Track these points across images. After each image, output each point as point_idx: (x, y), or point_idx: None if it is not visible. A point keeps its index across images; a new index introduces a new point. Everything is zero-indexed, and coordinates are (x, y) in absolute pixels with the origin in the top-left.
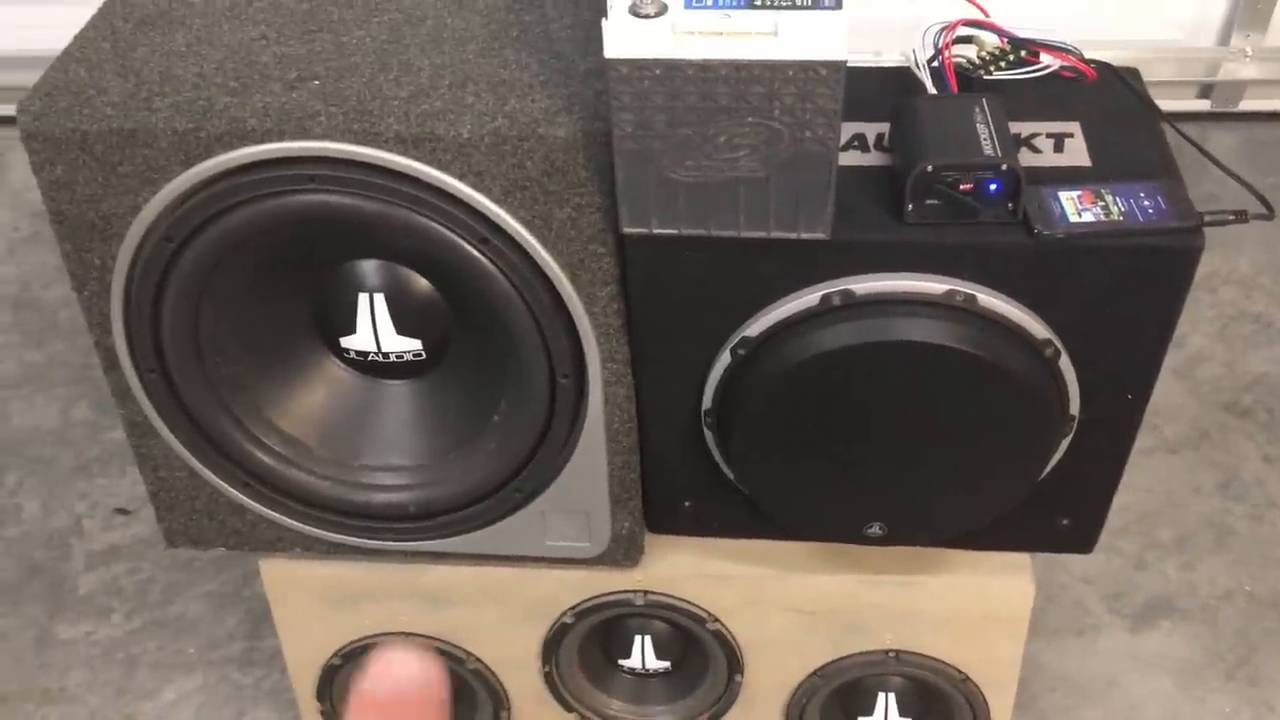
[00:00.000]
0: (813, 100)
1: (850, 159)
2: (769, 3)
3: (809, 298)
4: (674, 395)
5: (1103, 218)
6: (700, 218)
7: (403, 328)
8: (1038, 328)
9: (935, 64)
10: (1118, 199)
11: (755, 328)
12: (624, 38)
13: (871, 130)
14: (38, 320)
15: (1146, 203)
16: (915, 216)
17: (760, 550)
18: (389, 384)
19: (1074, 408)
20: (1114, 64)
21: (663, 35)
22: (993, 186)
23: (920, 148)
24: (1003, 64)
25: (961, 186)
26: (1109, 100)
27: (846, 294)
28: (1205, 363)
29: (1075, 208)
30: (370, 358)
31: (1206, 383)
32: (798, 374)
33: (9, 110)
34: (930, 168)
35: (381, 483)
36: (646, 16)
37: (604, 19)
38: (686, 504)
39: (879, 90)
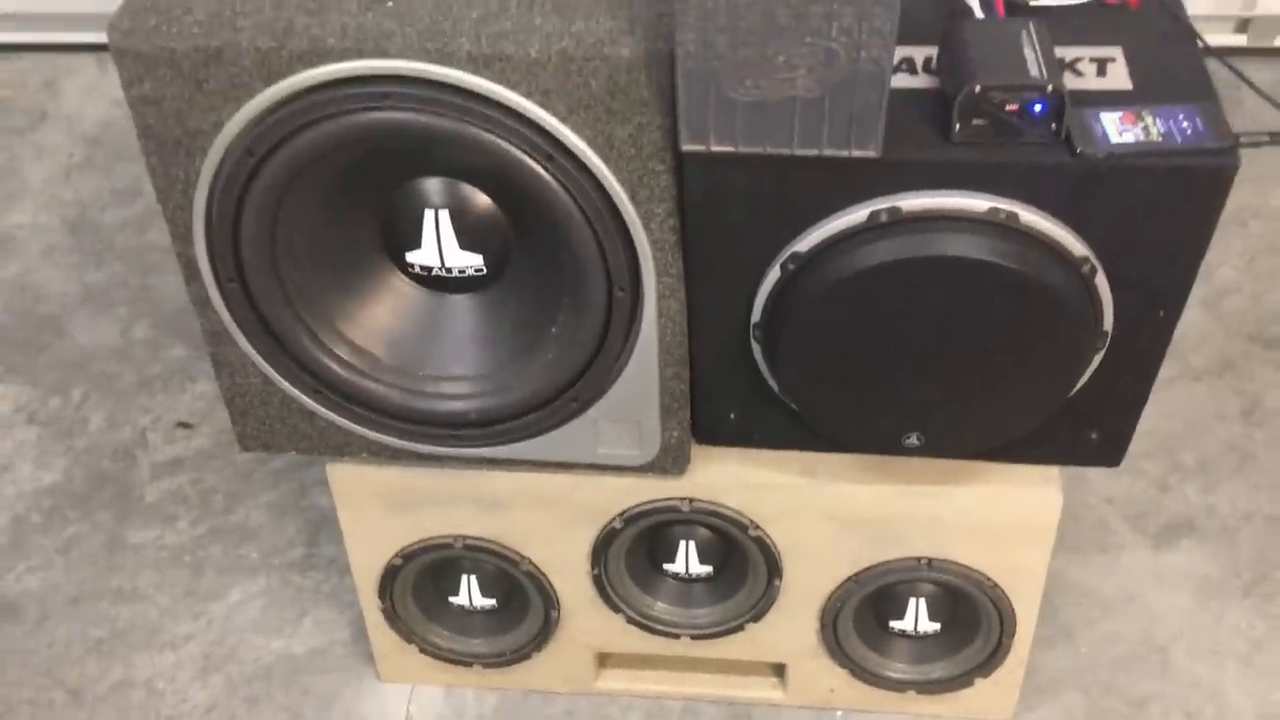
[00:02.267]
0: (869, 21)
1: (899, 81)
2: None
3: (857, 214)
4: (724, 309)
5: (1143, 138)
6: (757, 135)
7: (465, 243)
8: (1076, 245)
9: None
10: (1157, 120)
11: (805, 244)
12: None
13: (920, 53)
14: (96, 242)
15: (1185, 124)
16: (962, 136)
17: (800, 461)
18: (452, 298)
19: (1107, 323)
20: None
21: None
22: (1037, 107)
23: (968, 70)
24: None
25: (1008, 107)
26: (1151, 27)
27: (894, 211)
28: (1232, 294)
29: (1116, 128)
30: (434, 272)
31: (1233, 314)
32: (844, 288)
33: (58, 37)
34: (978, 88)
35: (444, 391)
36: None
37: None
38: (732, 415)
39: (928, 14)
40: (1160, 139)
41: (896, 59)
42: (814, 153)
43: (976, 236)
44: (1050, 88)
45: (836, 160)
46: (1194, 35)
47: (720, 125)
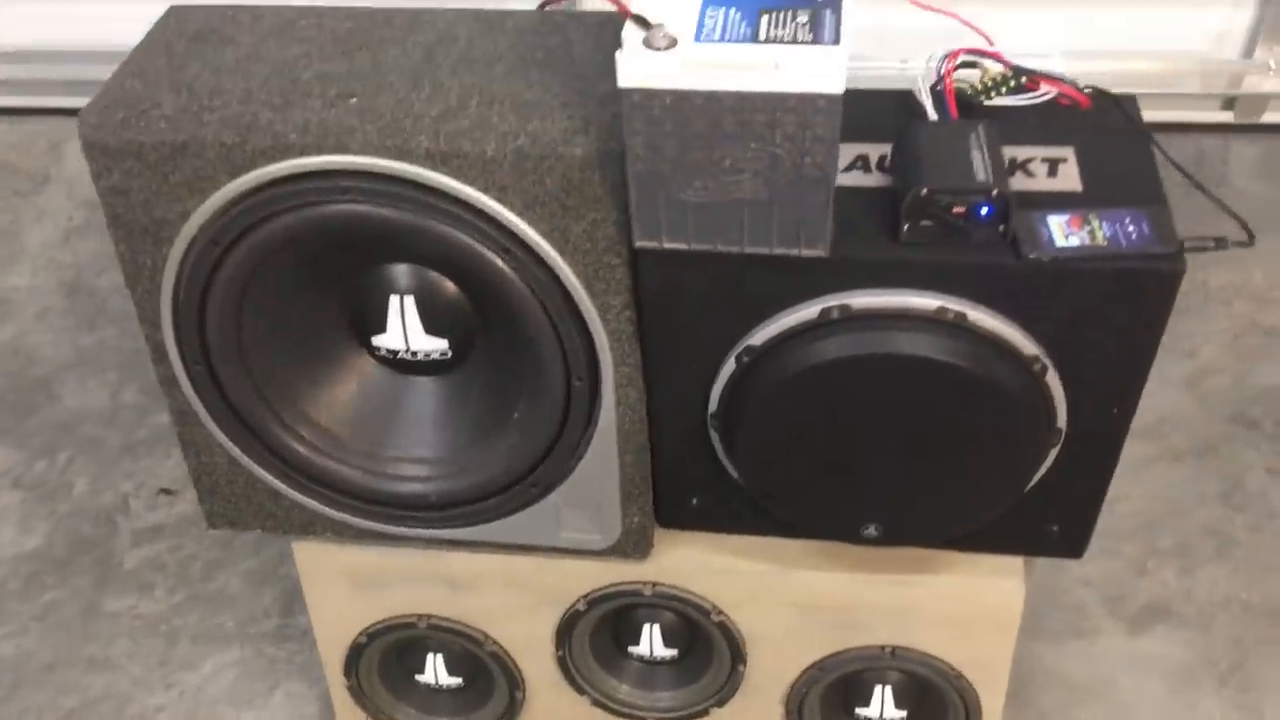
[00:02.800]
0: (812, 129)
1: (853, 179)
2: (773, 37)
3: (809, 310)
4: (682, 398)
5: (1088, 242)
6: (707, 234)
7: (431, 328)
8: (1026, 344)
9: (937, 89)
10: (1104, 224)
11: (759, 337)
12: (636, 68)
13: (875, 151)
14: (90, 306)
15: (1131, 228)
16: (910, 237)
17: (764, 547)
18: (417, 380)
19: (1061, 421)
20: (1112, 90)
21: (673, 67)
22: (984, 210)
23: (916, 172)
24: (1003, 90)
25: (954, 209)
26: (1104, 126)
27: (844, 308)
28: (1215, 374)
29: (1063, 231)
30: (400, 355)
31: (1215, 394)
32: (798, 382)
33: (64, 102)
34: (925, 191)
35: (406, 473)
36: (658, 49)
37: (618, 50)
38: (694, 501)
39: (884, 113)
40: (1105, 243)
41: (850, 156)
42: (764, 251)
43: (925, 335)
44: (995, 191)
45: (787, 258)
46: (1147, 136)
47: (671, 224)
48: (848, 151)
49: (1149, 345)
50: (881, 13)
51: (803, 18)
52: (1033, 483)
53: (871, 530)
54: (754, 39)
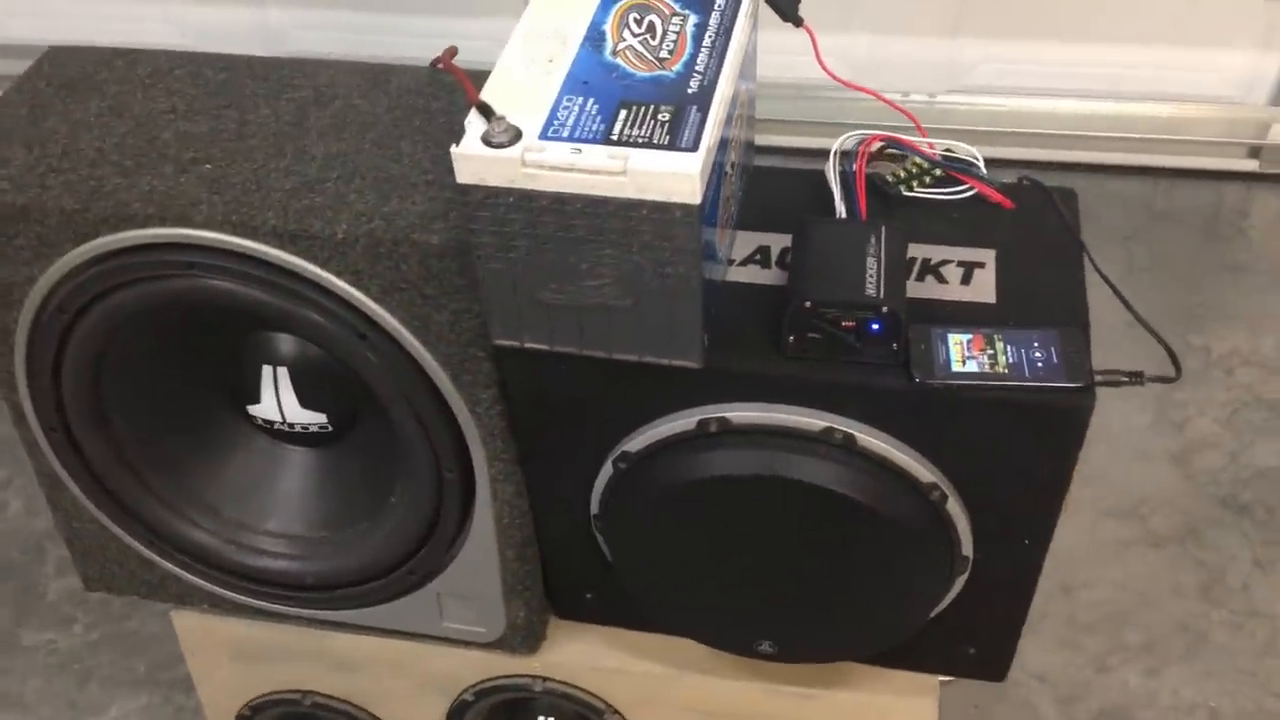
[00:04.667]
0: (671, 240)
1: (748, 274)
2: (627, 137)
3: (686, 421)
4: (563, 497)
5: (987, 368)
6: (570, 337)
7: (307, 401)
8: (923, 470)
9: (848, 179)
10: (1009, 347)
11: (635, 444)
12: (474, 165)
13: (779, 243)
14: None
15: (1038, 354)
16: (795, 350)
17: (665, 645)
18: (296, 452)
19: (967, 549)
20: (1050, 186)
21: (511, 167)
22: (874, 326)
23: (805, 279)
24: (927, 180)
25: (843, 323)
26: (1035, 227)
27: (723, 421)
28: (1207, 450)
29: (962, 354)
30: (276, 426)
31: (1205, 472)
32: (677, 495)
33: None
34: (808, 304)
35: (282, 550)
36: (498, 145)
37: (454, 145)
38: (588, 595)
39: (795, 198)
40: (1006, 371)
41: (750, 248)
42: (633, 359)
43: (811, 458)
44: (886, 308)
45: (660, 366)
46: (1077, 241)
47: (531, 324)
48: (748, 241)
49: (1057, 479)
50: (880, 42)
51: (664, 115)
52: (943, 606)
53: (765, 647)
54: (606, 137)
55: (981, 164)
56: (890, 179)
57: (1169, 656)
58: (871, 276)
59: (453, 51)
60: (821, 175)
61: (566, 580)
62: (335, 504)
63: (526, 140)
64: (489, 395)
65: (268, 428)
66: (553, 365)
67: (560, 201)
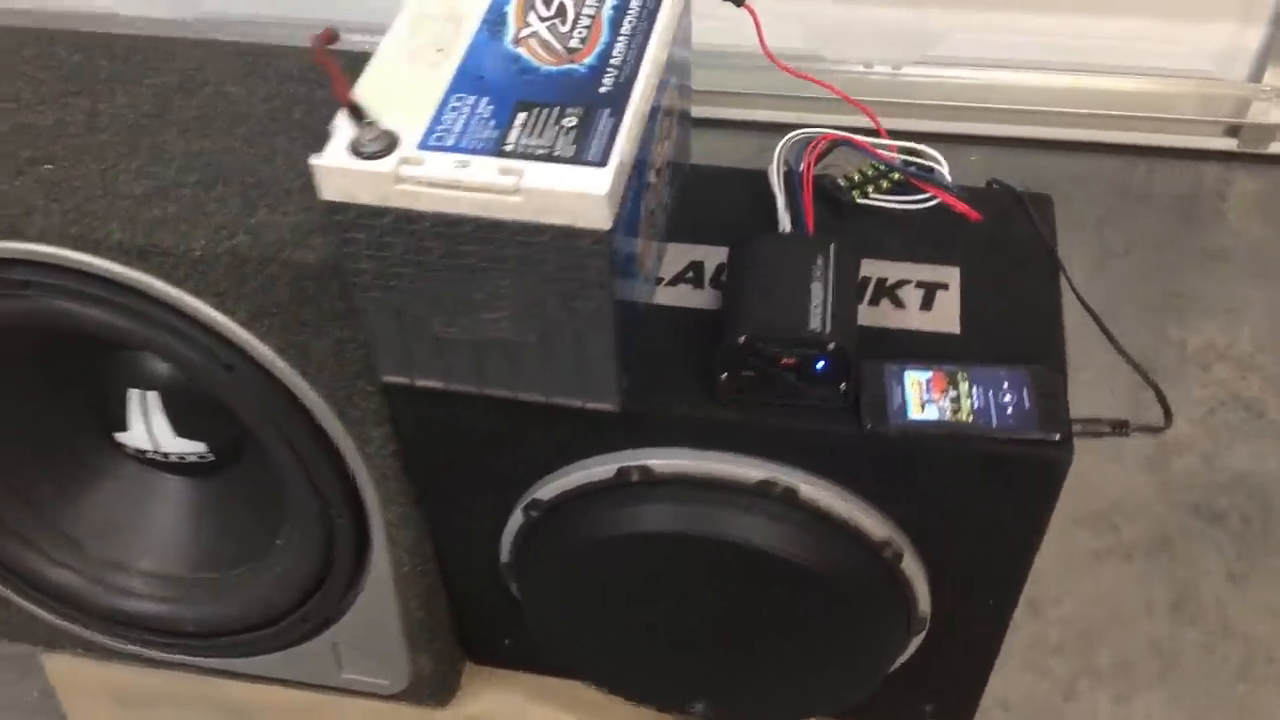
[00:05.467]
0: (577, 270)
1: (679, 296)
2: (523, 148)
3: (604, 469)
4: (471, 545)
5: (948, 415)
6: (468, 375)
7: (182, 428)
8: (874, 526)
9: (793, 186)
10: (974, 389)
11: (547, 491)
12: (340, 180)
13: (715, 258)
14: None
15: (1008, 398)
16: (728, 391)
17: (593, 697)
18: (171, 480)
19: (924, 608)
20: (1026, 190)
21: (386, 181)
22: (819, 364)
23: (739, 309)
24: (884, 184)
25: (783, 361)
26: (1005, 240)
27: (645, 471)
28: (1182, 453)
29: (919, 396)
30: (149, 455)
31: (1179, 478)
32: (594, 550)
33: None
34: (742, 340)
35: (157, 593)
36: (369, 156)
37: (314, 154)
38: (506, 641)
39: (735, 204)
40: (970, 418)
41: (683, 263)
42: (540, 400)
43: (747, 514)
44: (832, 345)
45: (572, 408)
46: (1054, 259)
47: (422, 360)
48: (681, 256)
49: (1028, 537)
50: (844, 9)
51: (570, 119)
52: (899, 663)
53: (699, 707)
54: (498, 147)
55: (945, 169)
56: (843, 183)
57: (1140, 681)
58: (817, 306)
59: (328, 36)
60: (762, 177)
61: (481, 626)
62: (217, 542)
63: (403, 149)
64: (380, 434)
65: (139, 456)
66: (450, 405)
67: (446, 224)
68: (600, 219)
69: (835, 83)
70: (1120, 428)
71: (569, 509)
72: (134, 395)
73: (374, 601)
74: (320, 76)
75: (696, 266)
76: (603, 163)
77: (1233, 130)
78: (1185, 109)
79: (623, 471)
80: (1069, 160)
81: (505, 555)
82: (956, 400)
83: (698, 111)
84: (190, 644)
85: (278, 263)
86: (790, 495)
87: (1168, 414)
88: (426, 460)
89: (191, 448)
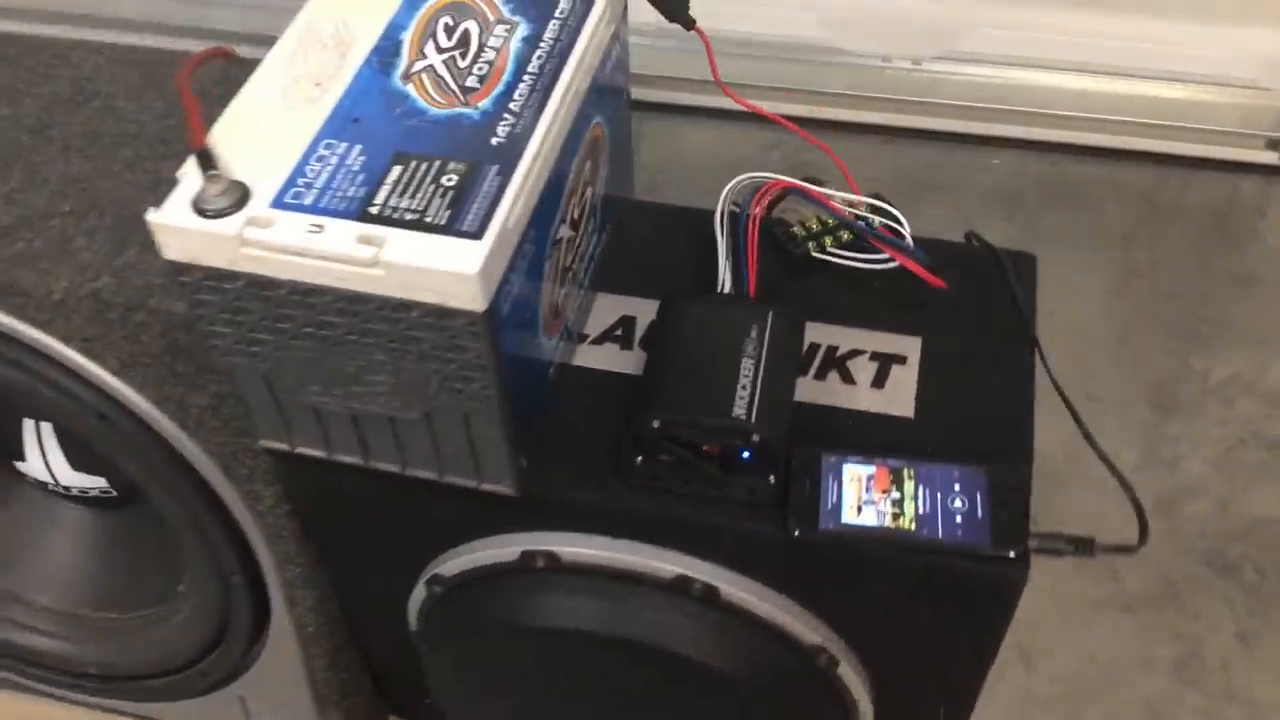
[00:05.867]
0: (456, 352)
1: (603, 358)
2: (390, 211)
3: (508, 551)
4: (378, 612)
5: (889, 520)
6: (352, 446)
7: (79, 462)
8: (806, 631)
9: (737, 239)
10: (921, 490)
11: (449, 567)
12: (181, 240)
13: (648, 313)
14: None
15: (959, 502)
16: (642, 476)
17: None
18: (74, 510)
19: (866, 716)
20: (1006, 251)
21: (230, 245)
22: (745, 454)
23: (658, 386)
24: (844, 235)
25: (704, 447)
26: (978, 307)
27: (551, 558)
28: (1197, 496)
29: (858, 495)
30: (50, 487)
31: (1191, 523)
32: (499, 639)
33: None
34: (656, 424)
35: (58, 630)
36: (213, 215)
37: (151, 209)
38: (428, 700)
39: (674, 250)
40: (912, 526)
41: (613, 318)
42: (433, 477)
43: (662, 613)
44: (758, 436)
45: (467, 488)
46: (1028, 333)
47: (300, 427)
48: (610, 309)
49: (980, 652)
50: None
51: (451, 177)
52: None
53: None
54: (361, 209)
55: (908, 231)
56: (798, 231)
57: None
58: (745, 386)
59: (215, 53)
60: (708, 218)
61: (400, 684)
62: (121, 581)
63: (253, 207)
64: (272, 493)
65: (42, 486)
66: (336, 473)
67: (303, 293)
68: (473, 299)
69: (851, 77)
70: (1084, 547)
71: (473, 590)
72: (29, 425)
73: (278, 659)
74: (225, 91)
75: (627, 323)
76: (478, 234)
77: (1275, 144)
78: (1226, 120)
79: (527, 556)
80: (1098, 167)
81: (413, 624)
82: (899, 503)
83: (702, 101)
84: (92, 685)
85: (144, 310)
86: (710, 594)
87: (1144, 532)
88: (320, 525)
89: (91, 482)
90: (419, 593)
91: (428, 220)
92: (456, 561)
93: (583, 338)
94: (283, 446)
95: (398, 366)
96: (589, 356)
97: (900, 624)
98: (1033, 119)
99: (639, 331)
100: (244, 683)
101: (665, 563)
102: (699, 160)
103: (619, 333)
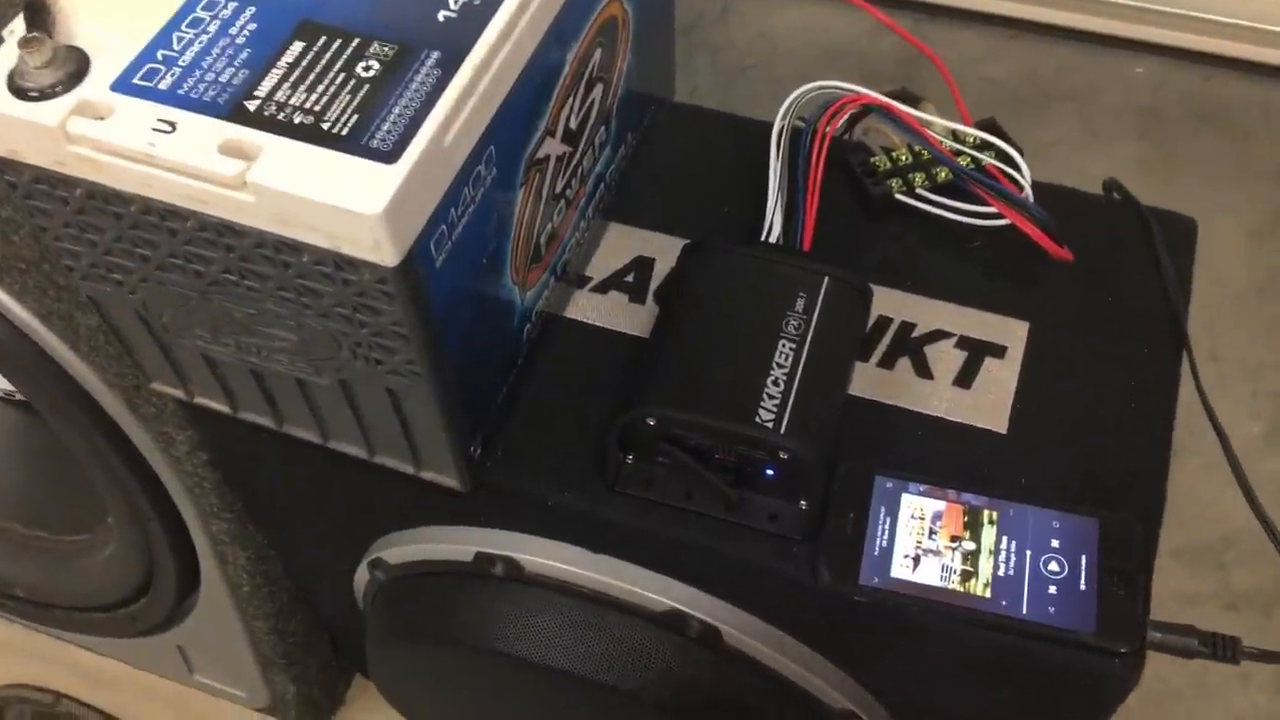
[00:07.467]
0: (367, 314)
1: (605, 309)
2: (274, 106)
3: (460, 548)
4: (323, 584)
5: (954, 583)
6: (260, 406)
7: None
8: (832, 692)
9: (797, 165)
10: (1005, 542)
11: (393, 554)
12: None
13: (669, 254)
14: None
15: (1055, 565)
16: (632, 480)
17: None
18: (3, 410)
19: None
20: (1160, 210)
21: (54, 138)
22: (768, 471)
23: (660, 367)
24: (940, 174)
25: (715, 455)
26: (1111, 286)
27: (512, 565)
28: None
29: (917, 539)
30: None
31: None
32: (449, 651)
33: None
34: (651, 421)
35: None
36: (32, 96)
37: None
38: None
39: (717, 172)
40: (987, 593)
41: (624, 261)
42: (361, 456)
43: (649, 656)
44: (785, 454)
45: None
46: (1181, 338)
47: (196, 374)
48: (623, 244)
49: None
50: None
51: (370, 65)
52: None
53: None
54: (234, 103)
55: (1027, 179)
56: (879, 164)
57: None
58: (777, 381)
59: None
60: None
61: (359, 650)
62: (51, 497)
63: (86, 88)
64: (186, 438)
65: None
66: (253, 431)
67: (159, 213)
68: (376, 249)
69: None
70: (1224, 648)
71: (419, 586)
72: None
73: (214, 615)
74: None
75: (642, 266)
76: (392, 154)
77: None
78: None
79: (483, 559)
80: (1256, 86)
81: (360, 604)
82: (974, 558)
83: None
84: (16, 606)
85: (10, 205)
86: (710, 636)
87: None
88: (244, 485)
89: (4, 383)
90: (363, 573)
91: (324, 127)
92: (402, 550)
93: (583, 281)
94: (179, 394)
95: (298, 321)
96: (587, 307)
97: (959, 700)
98: (1186, 23)
99: (655, 280)
100: (180, 633)
101: (655, 591)
102: (796, 42)
103: (630, 278)
